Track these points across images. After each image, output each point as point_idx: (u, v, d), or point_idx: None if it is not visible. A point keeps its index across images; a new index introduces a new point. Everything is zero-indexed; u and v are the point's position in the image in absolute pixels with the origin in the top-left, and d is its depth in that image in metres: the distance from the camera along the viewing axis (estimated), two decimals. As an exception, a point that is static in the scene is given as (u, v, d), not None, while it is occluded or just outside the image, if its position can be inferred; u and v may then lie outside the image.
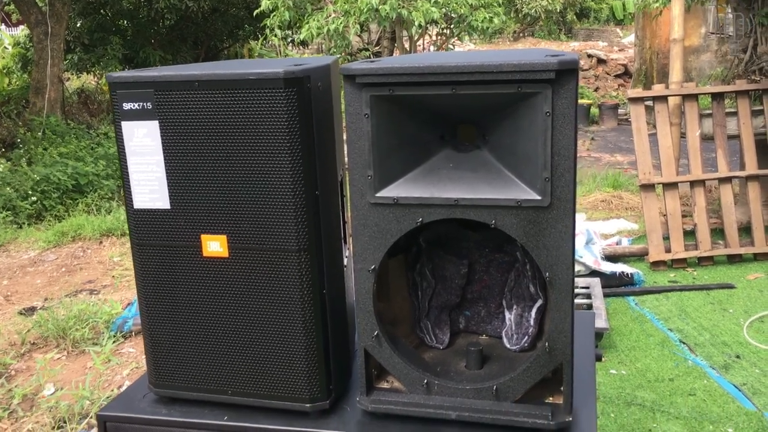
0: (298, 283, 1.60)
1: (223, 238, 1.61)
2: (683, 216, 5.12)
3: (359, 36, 10.05)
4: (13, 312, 4.77)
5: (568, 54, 1.48)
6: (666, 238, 4.87)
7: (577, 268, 4.38)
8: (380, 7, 6.48)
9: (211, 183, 1.59)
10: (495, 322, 1.93)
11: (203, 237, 1.62)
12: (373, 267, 1.60)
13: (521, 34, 20.12)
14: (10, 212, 7.36)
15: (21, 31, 14.14)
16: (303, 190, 1.55)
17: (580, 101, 13.38)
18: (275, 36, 7.39)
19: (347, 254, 1.82)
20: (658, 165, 4.89)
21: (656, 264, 4.73)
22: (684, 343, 3.60)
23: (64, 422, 3.30)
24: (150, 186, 1.63)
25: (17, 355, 4.06)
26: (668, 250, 4.81)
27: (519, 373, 1.60)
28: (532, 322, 1.81)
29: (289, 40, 6.76)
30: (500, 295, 1.89)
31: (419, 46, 9.49)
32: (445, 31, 7.98)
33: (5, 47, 13.19)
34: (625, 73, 17.17)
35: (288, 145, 1.52)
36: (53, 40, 9.75)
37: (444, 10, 6.99)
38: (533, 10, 18.11)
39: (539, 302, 1.77)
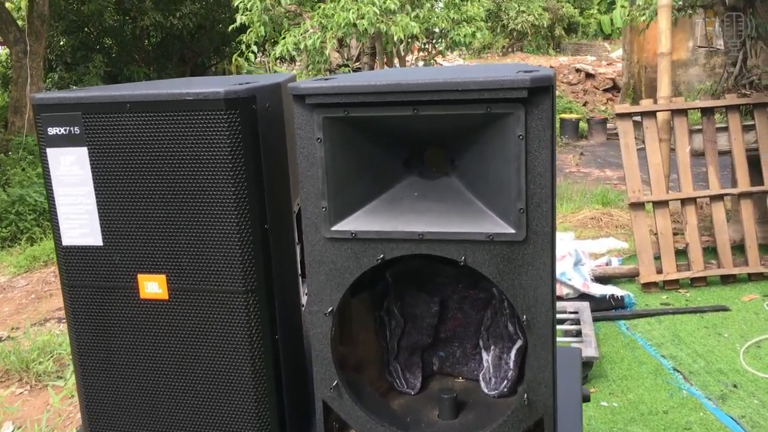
0: (246, 328, 1.42)
1: (162, 278, 1.44)
2: (674, 233, 4.98)
3: (338, 51, 9.92)
4: (-23, 343, 4.55)
5: (543, 69, 1.32)
6: (657, 257, 4.72)
7: (566, 291, 4.21)
8: (358, 21, 6.38)
9: (147, 217, 1.41)
10: (471, 363, 1.75)
11: (140, 277, 1.45)
12: (330, 309, 1.42)
13: (510, 49, 20.09)
14: (-18, 236, 7.15)
15: (3, 50, 13.97)
16: (250, 224, 1.38)
17: (569, 116, 13.31)
18: (252, 52, 7.22)
19: (306, 294, 1.65)
20: (648, 180, 4.75)
21: (647, 285, 4.58)
22: (678, 371, 3.43)
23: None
24: (80, 220, 1.45)
25: (-24, 390, 3.84)
26: (660, 271, 4.66)
27: (495, 427, 1.42)
28: (511, 365, 1.63)
29: (276, 56, 6.60)
30: (476, 335, 1.72)
31: (408, 61, 9.37)
32: (426, 46, 7.84)
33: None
34: (614, 87, 17.13)
35: (231, 174, 1.35)
36: (32, 59, 9.58)
37: (425, 25, 6.85)
38: (519, 26, 18.07)
39: (519, 343, 1.60)
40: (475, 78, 1.24)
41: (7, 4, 14.20)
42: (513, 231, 1.31)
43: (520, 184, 1.28)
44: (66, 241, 1.48)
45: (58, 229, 1.48)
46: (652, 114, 4.83)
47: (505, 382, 1.62)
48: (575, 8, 21.72)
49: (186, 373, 1.48)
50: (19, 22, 10.21)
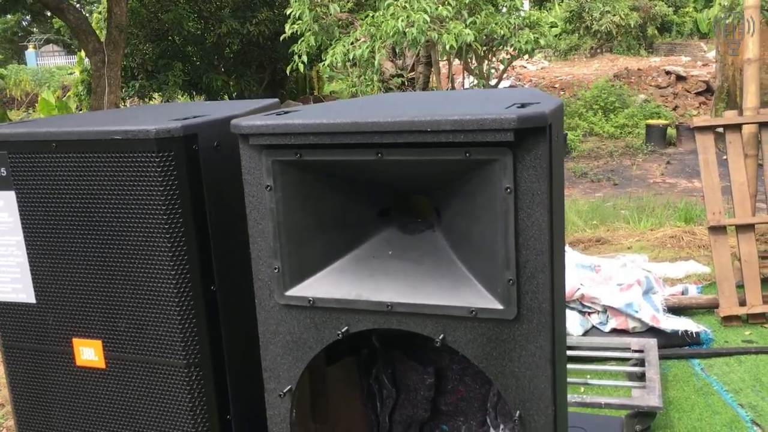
0: (189, 406, 1.20)
1: (98, 344, 1.24)
2: (762, 258, 4.48)
3: (392, 61, 9.59)
4: None
5: (544, 101, 1.04)
6: (741, 286, 4.25)
7: (632, 324, 3.81)
8: (407, 30, 6.13)
9: (81, 272, 1.22)
10: (479, 441, 1.48)
11: (75, 341, 1.25)
12: (288, 388, 1.18)
13: (599, 50, 19.31)
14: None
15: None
16: (190, 285, 1.16)
17: (656, 121, 12.60)
18: (302, 62, 7.03)
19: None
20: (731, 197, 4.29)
21: (728, 319, 4.11)
22: (758, 425, 3.01)
23: None
24: (11, 273, 1.27)
25: None
26: (743, 303, 4.17)
27: None
28: (522, 450, 1.35)
29: (327, 66, 6.36)
30: (482, 410, 1.44)
31: (486, 66, 8.95)
32: (487, 54, 7.43)
33: (70, 72, 13.44)
34: (707, 91, 16.16)
35: (166, 226, 1.13)
36: (110, 68, 9.78)
37: (484, 32, 6.43)
38: (604, 27, 17.32)
39: (529, 427, 1.31)
40: (448, 116, 0.98)
41: (95, 15, 14.69)
42: (501, 307, 1.03)
43: (508, 250, 1.01)
44: (-1, 296, 1.30)
45: (-9, 283, 1.30)
46: (736, 127, 4.36)
47: (515, 471, 1.35)
48: (669, 6, 20.68)
49: (128, 452, 1.27)
50: (103, 32, 10.48)
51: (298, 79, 16.21)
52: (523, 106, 1.01)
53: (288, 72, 7.61)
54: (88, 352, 1.25)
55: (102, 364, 1.24)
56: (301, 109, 1.23)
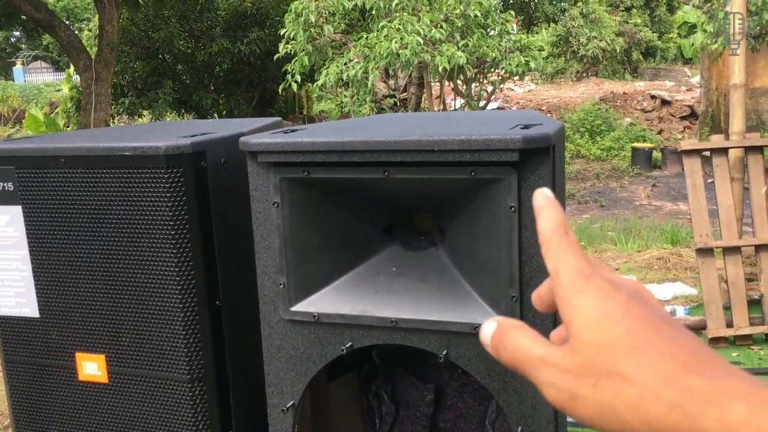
0: (192, 422, 1.21)
1: (102, 358, 1.24)
2: (748, 280, 4.53)
3: (385, 82, 9.67)
4: None
5: (546, 123, 1.07)
6: (727, 308, 4.30)
7: (621, 344, 3.84)
8: (401, 51, 6.18)
9: (85, 287, 1.23)
10: (477, 458, 1.49)
11: (78, 356, 1.26)
12: (291, 403, 1.19)
13: (584, 74, 19.54)
14: None
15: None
16: (195, 300, 1.17)
17: (641, 144, 12.74)
18: (295, 82, 7.08)
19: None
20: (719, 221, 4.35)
21: (716, 341, 4.15)
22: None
23: None
24: (15, 288, 1.28)
25: None
26: (730, 324, 4.22)
27: None
28: (520, 468, 1.36)
29: (319, 86, 6.40)
30: (481, 428, 1.45)
31: (475, 88, 9.03)
32: (478, 76, 7.53)
33: (58, 89, 13.42)
34: (692, 115, 16.38)
35: (174, 242, 1.15)
36: (100, 86, 9.79)
37: (475, 54, 6.52)
38: (590, 51, 17.54)
39: (528, 444, 1.33)
40: (456, 136, 1.00)
41: (86, 32, 14.72)
42: (504, 323, 1.05)
43: (512, 267, 1.03)
44: (2, 310, 1.30)
45: (-6, 297, 1.30)
46: (723, 151, 4.43)
47: (513, 489, 1.36)
48: (653, 32, 21.00)
49: (129, 468, 1.27)
50: (93, 50, 10.50)
51: (288, 99, 16.27)
52: (526, 127, 1.04)
53: (280, 91, 7.64)
54: (91, 367, 1.25)
55: (105, 379, 1.25)
56: (307, 127, 1.25)
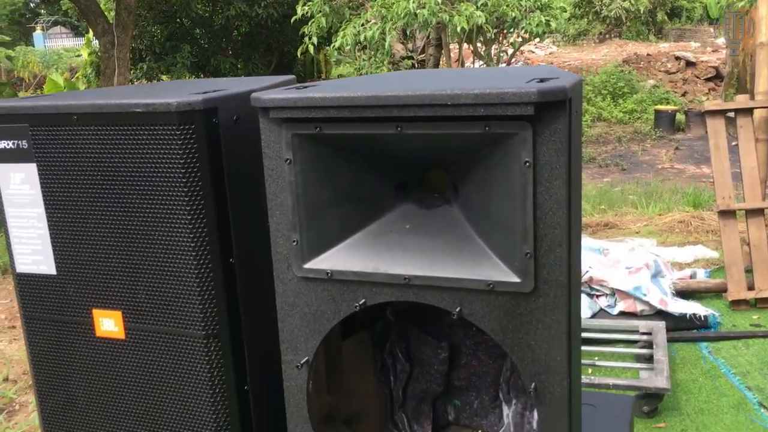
0: (207, 377, 1.22)
1: (118, 314, 1.25)
2: (771, 244, 4.47)
3: (402, 43, 9.54)
4: None
5: (563, 77, 1.04)
6: (749, 271, 4.25)
7: (640, 307, 3.82)
8: (418, 11, 6.10)
9: (101, 244, 1.23)
10: (491, 416, 1.50)
11: (95, 312, 1.27)
12: (305, 359, 1.20)
13: (607, 36, 19.18)
14: None
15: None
16: (209, 257, 1.18)
17: (664, 107, 12.53)
18: (312, 44, 7.01)
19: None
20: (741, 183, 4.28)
21: (736, 303, 4.11)
22: (765, 407, 3.03)
23: None
24: (32, 245, 1.29)
25: None
26: (751, 287, 4.17)
27: None
28: (534, 425, 1.36)
29: (336, 48, 6.31)
30: (495, 385, 1.46)
31: (494, 50, 8.89)
32: (497, 36, 7.39)
33: (77, 54, 13.43)
34: (717, 77, 16.05)
35: (187, 199, 1.15)
36: (119, 50, 9.77)
37: (494, 14, 6.39)
38: (613, 12, 17.18)
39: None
40: (469, 90, 0.98)
41: (103, -4, 14.65)
42: (518, 280, 1.04)
43: (527, 223, 1.02)
44: (20, 267, 1.32)
45: (12, 255, 1.32)
46: (747, 111, 4.35)
47: (527, 445, 1.37)
48: (679, -9, 20.52)
49: (146, 419, 1.30)
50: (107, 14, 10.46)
51: (306, 63, 16.15)
52: (542, 80, 1.01)
53: (299, 54, 7.58)
54: (108, 323, 1.26)
55: (122, 335, 1.26)
56: (319, 84, 1.23)
